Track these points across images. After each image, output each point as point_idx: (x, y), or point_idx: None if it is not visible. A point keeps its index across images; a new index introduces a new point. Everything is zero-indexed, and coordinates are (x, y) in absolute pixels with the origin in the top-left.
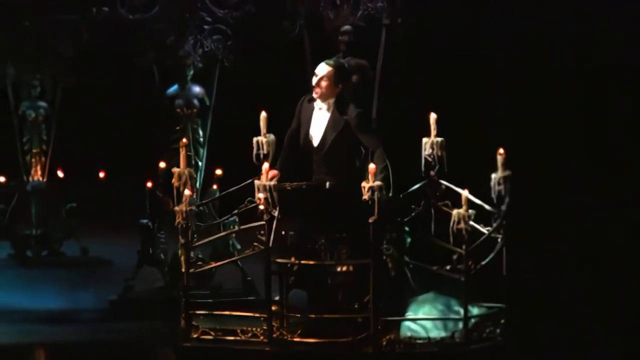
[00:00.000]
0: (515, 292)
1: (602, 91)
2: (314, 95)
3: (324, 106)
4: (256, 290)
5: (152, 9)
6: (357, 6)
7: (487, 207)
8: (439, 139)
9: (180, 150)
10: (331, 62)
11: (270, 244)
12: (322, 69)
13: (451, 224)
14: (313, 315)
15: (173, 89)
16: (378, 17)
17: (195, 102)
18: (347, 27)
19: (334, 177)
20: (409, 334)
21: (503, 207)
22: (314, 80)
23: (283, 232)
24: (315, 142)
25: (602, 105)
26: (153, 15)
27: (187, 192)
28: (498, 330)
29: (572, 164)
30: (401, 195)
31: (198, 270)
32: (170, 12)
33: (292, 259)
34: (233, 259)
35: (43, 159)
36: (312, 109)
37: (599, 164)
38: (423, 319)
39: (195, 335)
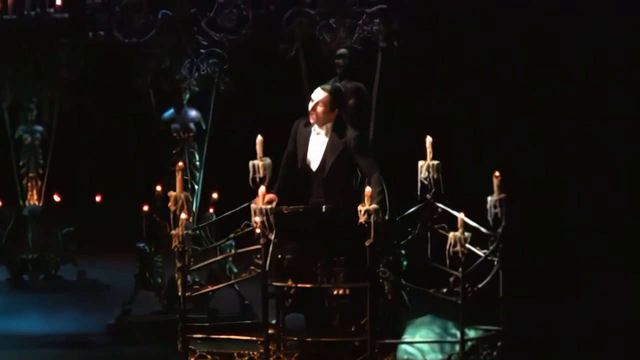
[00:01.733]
0: (512, 314)
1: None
2: (310, 120)
3: (322, 131)
4: (253, 313)
5: (148, 33)
6: (354, 29)
7: (483, 230)
8: (435, 162)
9: (177, 174)
10: (327, 87)
11: (267, 268)
12: (318, 94)
13: (447, 246)
14: (310, 339)
15: (169, 112)
16: (374, 40)
17: (192, 125)
18: (343, 50)
19: (332, 201)
20: (405, 357)
21: (499, 230)
22: (310, 105)
23: (280, 256)
24: (314, 166)
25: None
26: (149, 39)
27: (183, 215)
28: (495, 353)
29: (570, 183)
30: (397, 219)
31: (195, 294)
32: (167, 36)
33: (289, 282)
34: (230, 282)
35: (39, 182)
36: (309, 132)
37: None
38: (420, 342)
39: (192, 359)
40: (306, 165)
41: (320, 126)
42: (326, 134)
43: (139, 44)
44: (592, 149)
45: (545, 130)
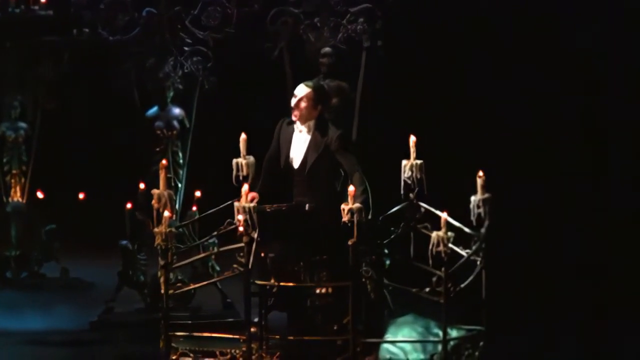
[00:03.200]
0: (494, 314)
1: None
2: (293, 116)
3: (304, 128)
4: (236, 311)
5: (132, 31)
6: (338, 28)
7: (466, 229)
8: (419, 162)
9: (160, 171)
10: (310, 83)
11: (250, 266)
12: (301, 90)
13: (430, 246)
14: (292, 337)
15: (153, 110)
16: (358, 39)
17: (175, 123)
18: (327, 50)
19: (315, 199)
20: (388, 356)
21: (482, 230)
22: (293, 101)
23: (263, 254)
24: (296, 164)
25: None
26: (133, 36)
27: (166, 213)
28: (477, 353)
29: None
30: (381, 218)
31: (178, 291)
32: (151, 34)
33: (272, 281)
34: (212, 280)
35: (23, 179)
36: (292, 131)
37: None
38: (402, 341)
39: (174, 357)
40: (289, 164)
41: (303, 123)
42: (308, 132)
43: (123, 42)
44: (580, 147)
45: (530, 129)
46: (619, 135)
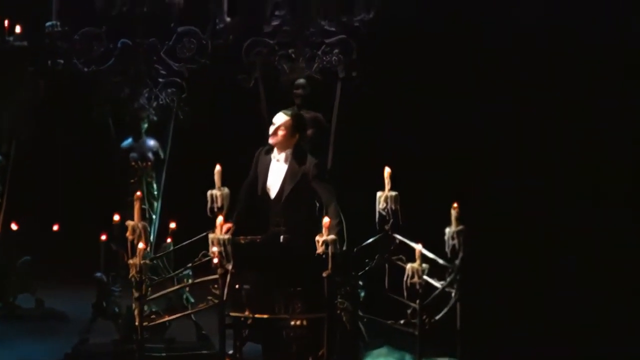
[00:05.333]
0: (469, 346)
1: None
2: (270, 142)
3: (282, 157)
4: (211, 343)
5: (107, 62)
6: (313, 59)
7: (440, 261)
8: (393, 193)
9: (135, 203)
10: (289, 111)
11: (225, 298)
12: (280, 118)
13: (405, 278)
14: None
15: (128, 141)
16: (334, 70)
17: (150, 155)
18: (301, 81)
19: (290, 230)
20: None
21: (457, 262)
22: (271, 129)
23: (237, 286)
24: (273, 193)
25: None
26: (108, 67)
27: (141, 245)
28: None
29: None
30: (355, 249)
31: (152, 323)
32: (126, 65)
33: (247, 313)
34: (187, 312)
35: None
36: (270, 160)
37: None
38: None
39: None
40: (265, 193)
41: (280, 151)
42: (285, 161)
43: (98, 73)
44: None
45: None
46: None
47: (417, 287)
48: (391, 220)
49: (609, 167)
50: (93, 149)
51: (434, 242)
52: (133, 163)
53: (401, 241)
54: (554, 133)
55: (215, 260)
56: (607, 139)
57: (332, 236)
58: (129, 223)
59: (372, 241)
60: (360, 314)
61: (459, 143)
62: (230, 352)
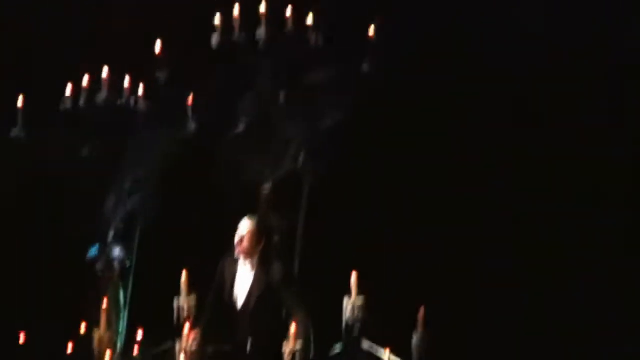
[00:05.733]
0: None
1: None
2: (237, 251)
3: (248, 265)
4: None
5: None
6: (278, 162)
7: None
8: (361, 298)
9: (101, 313)
10: (253, 218)
11: None
12: (245, 225)
13: None
14: None
15: (94, 250)
16: (299, 175)
17: (116, 264)
18: (267, 184)
19: (258, 338)
20: None
21: None
22: (237, 237)
23: None
24: (240, 301)
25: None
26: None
27: (108, 355)
28: None
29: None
30: (323, 358)
31: None
32: (90, 171)
33: None
34: None
35: None
36: (236, 267)
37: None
38: None
39: None
40: (232, 301)
41: (247, 259)
42: (252, 268)
43: (63, 180)
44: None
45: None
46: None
47: None
48: (359, 327)
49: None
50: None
51: (404, 346)
52: (99, 272)
53: (369, 346)
54: None
55: None
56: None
57: (299, 344)
58: (96, 333)
59: (341, 348)
60: None
61: (426, 239)
62: None
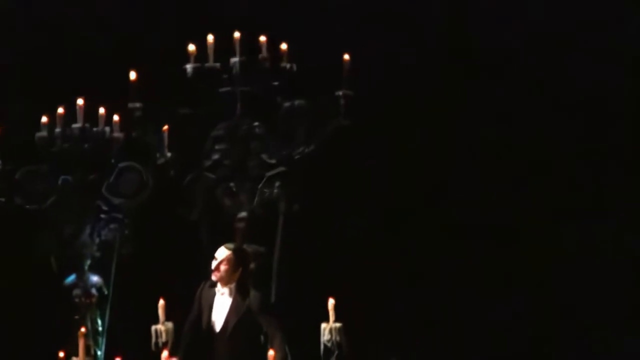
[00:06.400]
0: None
1: None
2: (214, 278)
3: (226, 291)
4: None
5: (48, 199)
6: (254, 193)
7: None
8: (338, 324)
9: (79, 340)
10: (231, 245)
11: None
12: (222, 252)
13: None
14: None
15: (71, 278)
16: (275, 203)
17: (94, 291)
18: (243, 214)
19: None
20: None
21: None
22: (214, 264)
23: None
24: (218, 327)
25: None
26: (49, 205)
27: None
28: None
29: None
30: None
31: None
32: (67, 202)
33: None
34: None
35: None
36: (214, 294)
37: None
38: None
39: None
40: (210, 327)
41: (224, 285)
42: (230, 295)
43: (39, 210)
44: None
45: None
46: None
47: None
48: (336, 352)
49: None
50: (37, 286)
51: None
52: (77, 299)
53: None
54: None
55: None
56: None
57: None
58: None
59: None
60: None
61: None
62: None
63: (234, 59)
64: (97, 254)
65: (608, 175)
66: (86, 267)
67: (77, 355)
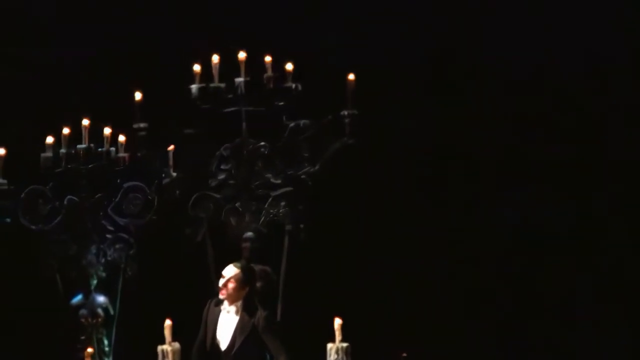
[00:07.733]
0: None
1: None
2: (221, 296)
3: (232, 309)
4: None
5: (54, 219)
6: (260, 212)
7: None
8: (344, 344)
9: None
10: (239, 264)
11: None
12: (230, 270)
13: None
14: None
15: (77, 298)
16: (281, 223)
17: (100, 311)
18: (249, 234)
19: None
20: None
21: None
22: (221, 281)
23: None
24: (223, 345)
25: None
26: (55, 225)
27: None
28: None
29: None
30: None
31: None
32: (73, 222)
33: None
34: None
35: None
36: (219, 312)
37: None
38: None
39: None
40: (216, 345)
41: (231, 303)
42: (236, 313)
43: (45, 231)
44: None
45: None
46: None
47: None
48: None
49: None
50: (43, 307)
51: None
52: (83, 320)
53: None
54: None
55: None
56: None
57: None
58: None
59: None
60: None
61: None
62: None
63: (239, 79)
64: (103, 274)
65: None
66: (92, 288)
67: None
